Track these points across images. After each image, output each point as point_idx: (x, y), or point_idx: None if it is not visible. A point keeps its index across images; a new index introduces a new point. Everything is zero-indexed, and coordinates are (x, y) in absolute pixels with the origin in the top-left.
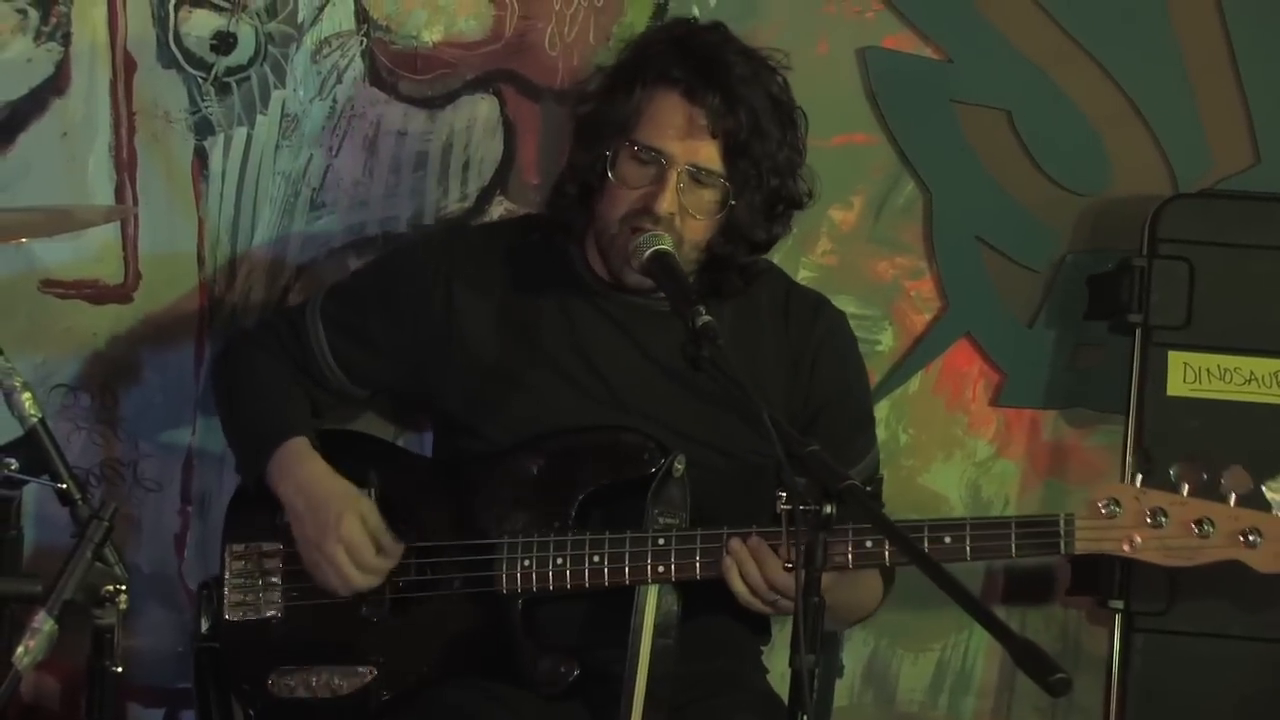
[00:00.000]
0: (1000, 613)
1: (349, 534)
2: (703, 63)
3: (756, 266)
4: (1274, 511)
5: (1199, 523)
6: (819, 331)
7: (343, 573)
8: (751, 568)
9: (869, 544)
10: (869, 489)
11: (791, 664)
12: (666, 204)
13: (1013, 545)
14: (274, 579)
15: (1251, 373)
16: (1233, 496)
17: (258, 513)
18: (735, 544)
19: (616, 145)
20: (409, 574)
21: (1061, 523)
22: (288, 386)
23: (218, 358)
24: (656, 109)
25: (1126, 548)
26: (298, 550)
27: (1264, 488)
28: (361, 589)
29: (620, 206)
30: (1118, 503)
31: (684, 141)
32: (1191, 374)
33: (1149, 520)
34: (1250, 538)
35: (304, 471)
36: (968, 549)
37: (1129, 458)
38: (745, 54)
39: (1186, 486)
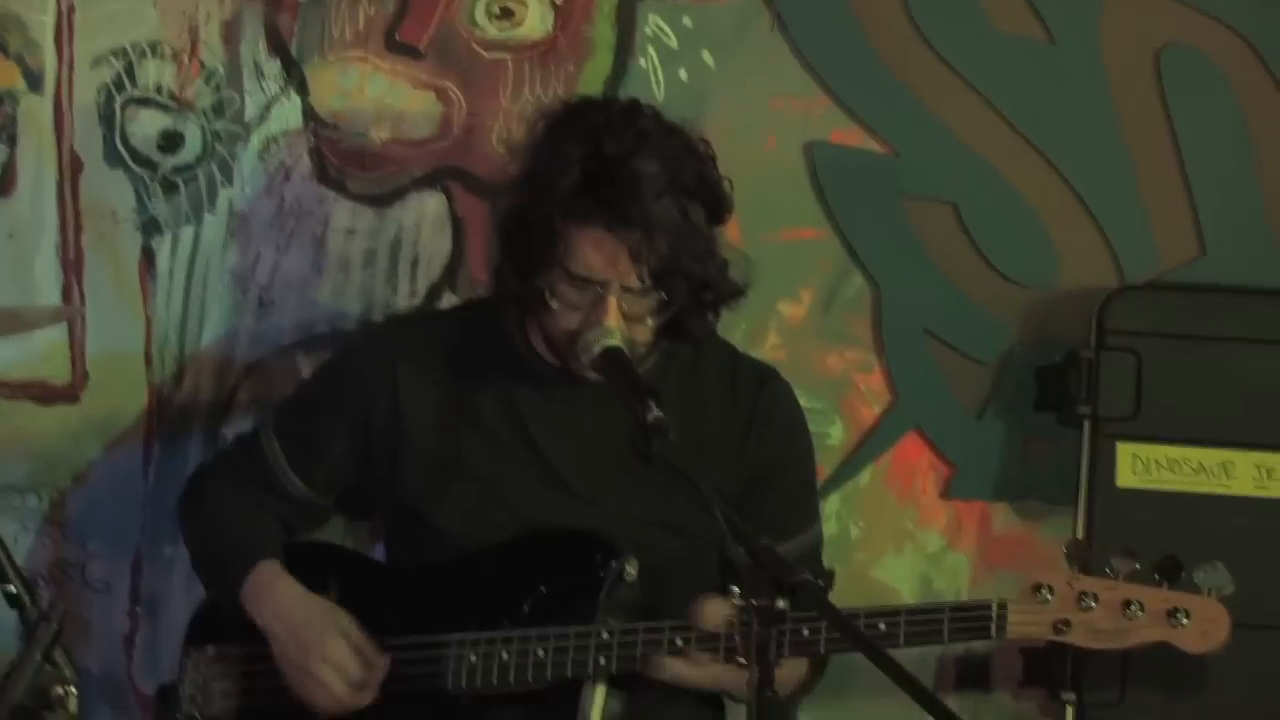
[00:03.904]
0: (953, 704)
1: (334, 653)
2: (618, 195)
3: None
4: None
5: (1128, 604)
6: (765, 401)
7: (332, 692)
8: None
9: (805, 632)
10: (820, 582)
11: None
12: (612, 322)
13: (945, 631)
14: (230, 682)
15: (1200, 463)
16: (1165, 584)
17: (221, 616)
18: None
19: (550, 275)
20: None
21: (994, 609)
22: (253, 512)
23: (180, 496)
24: (580, 244)
25: (1055, 631)
26: (284, 675)
27: (1195, 574)
28: (354, 706)
29: (565, 322)
30: (1050, 589)
31: (614, 268)
32: (1140, 465)
33: (1079, 604)
34: (1179, 617)
35: (279, 596)
36: (901, 634)
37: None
38: (658, 157)
39: (1121, 574)
